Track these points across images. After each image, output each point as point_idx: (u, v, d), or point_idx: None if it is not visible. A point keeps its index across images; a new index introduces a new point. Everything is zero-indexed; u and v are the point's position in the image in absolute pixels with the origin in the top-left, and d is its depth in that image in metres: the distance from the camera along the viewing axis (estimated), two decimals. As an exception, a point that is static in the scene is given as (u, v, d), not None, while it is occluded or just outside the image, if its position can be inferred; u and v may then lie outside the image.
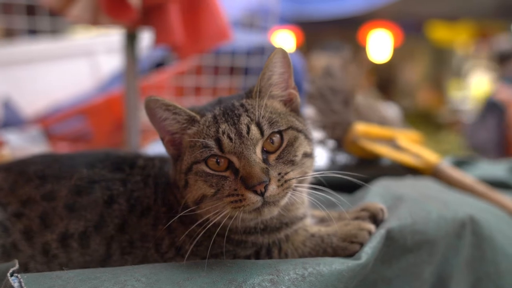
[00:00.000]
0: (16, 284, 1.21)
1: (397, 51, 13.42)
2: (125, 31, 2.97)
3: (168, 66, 3.99)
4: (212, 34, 2.88)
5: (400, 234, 1.57)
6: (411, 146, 2.37)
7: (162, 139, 1.54)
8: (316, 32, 12.39)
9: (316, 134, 2.41)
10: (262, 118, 1.44)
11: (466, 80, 15.19)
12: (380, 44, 12.25)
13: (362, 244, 1.49)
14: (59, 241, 1.56)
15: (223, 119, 1.45)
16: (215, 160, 1.41)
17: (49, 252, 1.56)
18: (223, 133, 1.41)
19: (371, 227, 1.53)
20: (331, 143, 2.46)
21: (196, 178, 1.44)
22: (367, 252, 1.45)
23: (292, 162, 1.44)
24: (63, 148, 3.59)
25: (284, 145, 1.45)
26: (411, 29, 13.14)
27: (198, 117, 1.49)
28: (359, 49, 11.96)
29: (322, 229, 1.56)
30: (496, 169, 2.63)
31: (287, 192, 1.39)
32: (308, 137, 1.53)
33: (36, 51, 4.38)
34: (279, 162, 1.42)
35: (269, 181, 1.35)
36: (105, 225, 1.56)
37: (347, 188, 2.00)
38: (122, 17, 2.66)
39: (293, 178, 1.41)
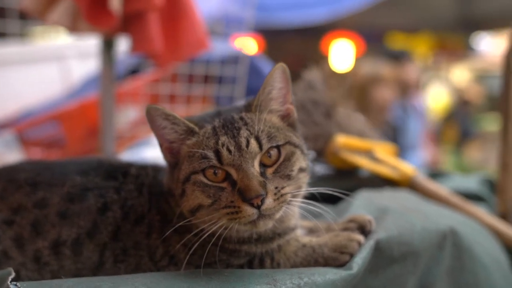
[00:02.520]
0: None
1: (358, 61, 13.51)
2: (102, 37, 2.96)
3: (143, 73, 3.97)
4: (191, 43, 2.89)
5: (387, 245, 1.61)
6: (388, 158, 2.42)
7: (161, 146, 1.56)
8: (279, 40, 12.42)
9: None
10: (261, 132, 1.46)
11: (424, 91, 15.40)
12: (342, 54, 12.34)
13: (352, 255, 1.52)
14: (51, 249, 1.55)
15: (223, 131, 1.47)
16: (213, 171, 1.43)
17: (40, 259, 1.55)
18: (223, 145, 1.43)
19: (361, 238, 1.57)
20: (311, 154, 2.49)
21: (193, 188, 1.45)
22: (358, 262, 1.48)
23: (288, 177, 1.47)
24: (37, 154, 3.55)
25: (281, 159, 1.47)
26: (372, 39, 13.27)
27: (197, 128, 1.51)
28: (321, 58, 12.01)
29: (313, 240, 1.58)
30: (469, 181, 2.71)
31: (282, 206, 1.42)
32: (304, 152, 1.56)
33: (4, 55, 4.31)
34: (276, 176, 1.45)
35: (266, 194, 1.37)
36: (99, 232, 1.56)
37: (328, 199, 2.03)
38: (102, 24, 2.66)
39: (289, 193, 1.44)
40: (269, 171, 1.45)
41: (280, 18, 9.48)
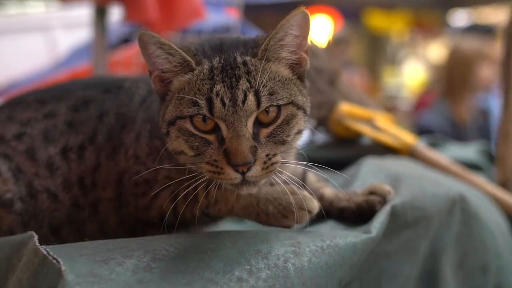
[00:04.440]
0: (45, 253, 1.19)
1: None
2: (95, 6, 2.94)
3: (135, 42, 3.94)
4: (186, 12, 2.88)
5: (402, 210, 1.62)
6: (388, 126, 2.43)
7: (150, 73, 1.44)
8: (256, 16, 12.34)
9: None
10: (263, 87, 1.33)
11: (400, 67, 15.51)
12: (320, 30, 12.33)
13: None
14: (61, 154, 1.65)
15: (220, 77, 1.33)
16: (201, 118, 1.33)
17: (53, 165, 1.65)
18: (217, 94, 1.31)
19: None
20: (314, 122, 2.49)
21: (178, 134, 1.38)
22: (376, 226, 1.49)
23: (283, 142, 1.37)
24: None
25: (279, 121, 1.36)
26: (349, 15, 13.29)
27: (193, 63, 1.38)
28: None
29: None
30: (466, 151, 2.75)
31: (269, 175, 1.34)
32: (306, 112, 1.44)
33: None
34: (270, 142, 1.34)
35: (254, 162, 1.28)
36: (97, 136, 1.65)
37: (332, 165, 2.05)
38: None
39: (279, 162, 1.34)
40: (264, 132, 1.34)
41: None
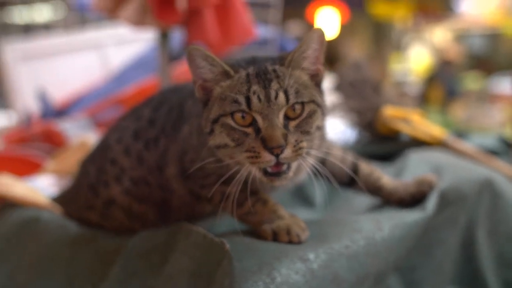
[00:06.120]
0: (212, 236, 1.59)
1: (341, 28, 13.60)
2: (159, 29, 3.34)
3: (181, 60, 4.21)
4: (240, 33, 3.25)
5: (445, 193, 2.06)
6: (421, 123, 2.87)
7: (194, 83, 1.68)
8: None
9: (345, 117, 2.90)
10: (290, 87, 1.57)
11: (405, 53, 15.73)
12: (328, 22, 12.48)
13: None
14: (144, 147, 2.00)
15: (256, 80, 1.58)
16: (241, 115, 1.57)
17: (142, 158, 2.00)
18: (254, 93, 1.55)
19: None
20: (360, 124, 2.93)
21: (221, 129, 1.60)
22: (430, 206, 1.93)
23: (307, 133, 1.60)
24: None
25: (304, 115, 1.60)
26: (354, 5, 13.43)
27: (232, 72, 1.63)
28: (307, 27, 12.12)
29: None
30: (486, 139, 3.12)
31: (298, 158, 1.56)
32: (323, 112, 1.69)
33: (51, 46, 4.70)
34: (297, 131, 1.58)
35: (286, 146, 1.51)
36: (166, 127, 1.98)
37: (381, 158, 2.52)
38: (168, 20, 3.04)
39: (305, 147, 1.57)
40: (292, 124, 1.58)
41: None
